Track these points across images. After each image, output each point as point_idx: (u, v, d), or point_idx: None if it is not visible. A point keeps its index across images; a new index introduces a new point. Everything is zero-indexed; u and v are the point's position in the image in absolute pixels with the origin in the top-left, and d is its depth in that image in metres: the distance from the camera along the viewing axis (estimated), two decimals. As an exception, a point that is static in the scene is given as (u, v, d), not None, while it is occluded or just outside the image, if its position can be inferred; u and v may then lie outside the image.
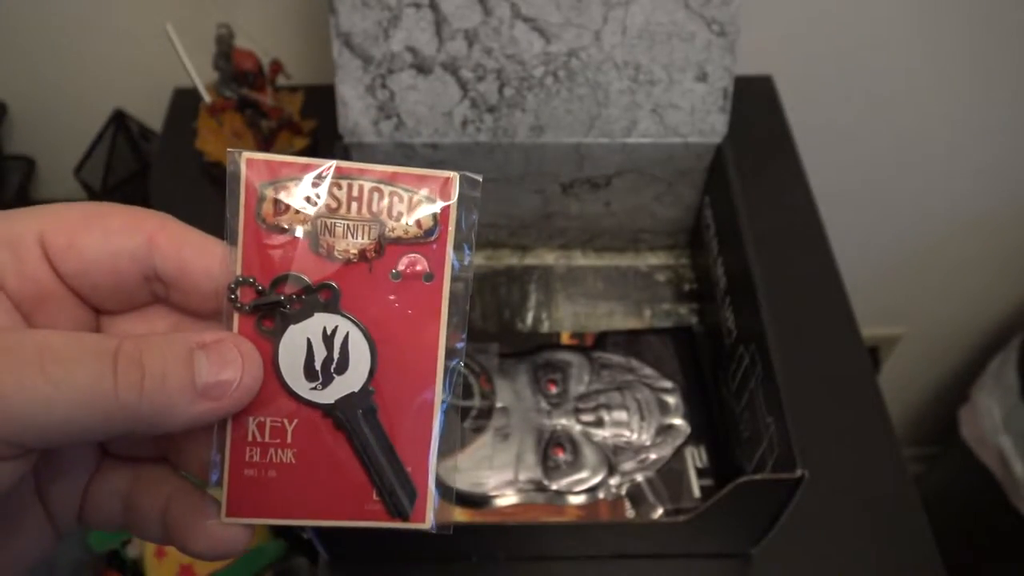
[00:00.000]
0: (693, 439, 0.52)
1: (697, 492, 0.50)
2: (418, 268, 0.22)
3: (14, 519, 0.22)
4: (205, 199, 0.66)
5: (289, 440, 0.22)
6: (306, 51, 0.72)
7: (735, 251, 0.51)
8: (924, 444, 1.22)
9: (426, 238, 0.22)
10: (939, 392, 1.17)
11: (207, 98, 0.63)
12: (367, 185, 0.21)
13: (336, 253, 0.21)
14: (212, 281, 0.21)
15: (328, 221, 0.21)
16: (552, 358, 0.55)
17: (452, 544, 0.48)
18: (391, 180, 0.21)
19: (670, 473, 0.51)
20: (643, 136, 0.54)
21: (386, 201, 0.21)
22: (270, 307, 0.21)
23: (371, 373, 0.22)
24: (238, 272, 0.21)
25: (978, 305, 1.04)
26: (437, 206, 0.21)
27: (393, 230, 0.21)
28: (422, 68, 0.52)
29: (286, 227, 0.21)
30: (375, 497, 0.23)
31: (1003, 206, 0.91)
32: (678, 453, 0.52)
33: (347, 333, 0.22)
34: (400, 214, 0.21)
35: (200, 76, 0.62)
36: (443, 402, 0.23)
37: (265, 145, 0.64)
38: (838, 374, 0.56)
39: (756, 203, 0.54)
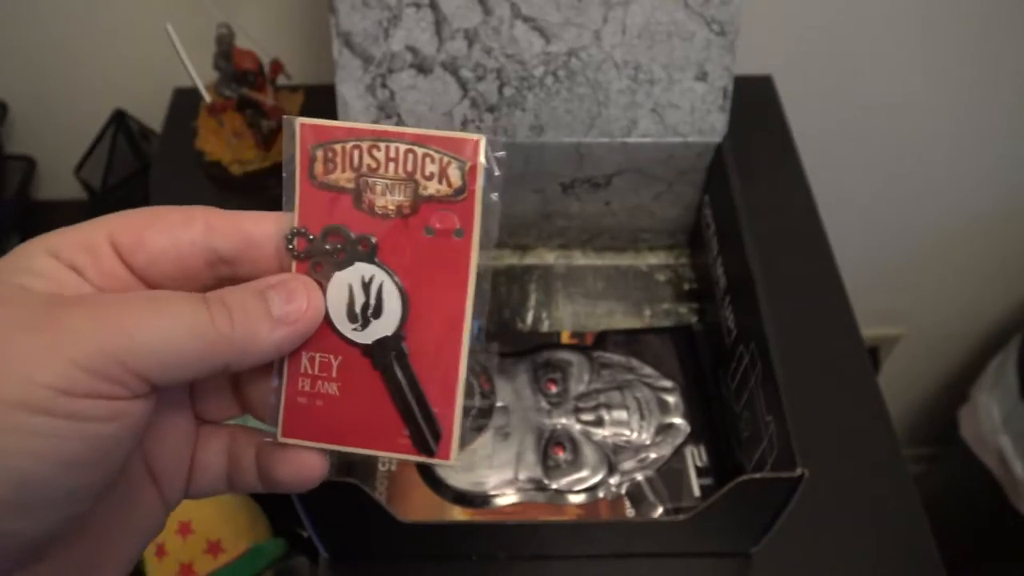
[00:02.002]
0: (693, 438, 0.52)
1: (697, 491, 0.50)
2: (448, 225, 0.24)
3: (130, 494, 0.24)
4: (205, 199, 0.65)
5: (334, 374, 0.25)
6: (306, 51, 0.72)
7: (735, 251, 0.51)
8: (924, 444, 1.22)
9: (456, 196, 0.23)
10: (939, 392, 1.17)
11: (207, 98, 0.63)
12: (402, 147, 0.23)
13: (376, 209, 0.24)
14: (274, 240, 0.24)
15: (369, 180, 0.23)
16: (552, 357, 0.55)
17: (452, 543, 0.48)
18: (423, 143, 0.23)
19: (670, 472, 0.51)
20: (643, 136, 0.54)
21: (419, 162, 0.23)
22: (320, 255, 0.24)
23: (402, 320, 0.24)
24: (295, 225, 0.24)
25: (978, 305, 1.04)
26: (465, 166, 0.23)
27: (426, 188, 0.23)
28: (422, 68, 0.52)
29: (334, 185, 0.24)
30: (405, 433, 0.25)
31: (1003, 206, 0.91)
32: (678, 452, 0.52)
33: (381, 282, 0.24)
34: (432, 174, 0.23)
35: (200, 76, 0.62)
36: (469, 349, 0.25)
37: (265, 145, 0.64)
38: (838, 374, 0.56)
39: (756, 203, 0.54)
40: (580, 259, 0.64)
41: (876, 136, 0.83)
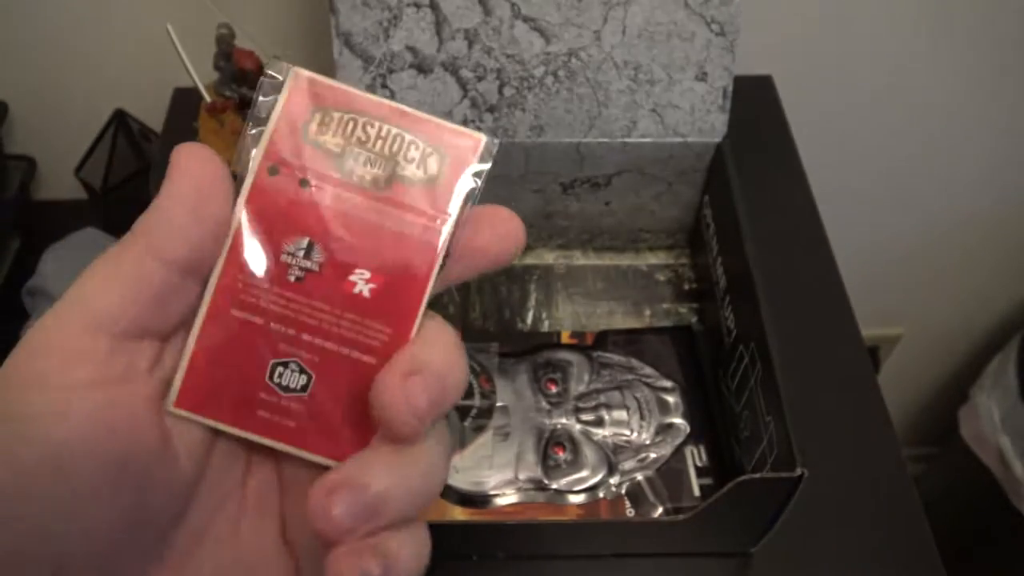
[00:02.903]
0: (693, 438, 0.52)
1: (697, 491, 0.50)
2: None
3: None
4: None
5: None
6: (306, 51, 0.72)
7: (735, 251, 0.51)
8: (924, 444, 1.22)
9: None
10: (939, 392, 1.17)
11: (207, 98, 0.63)
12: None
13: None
14: None
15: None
16: (552, 357, 0.55)
17: (452, 543, 0.48)
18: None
19: (670, 472, 0.51)
20: (643, 136, 0.54)
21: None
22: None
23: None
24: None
25: (978, 305, 1.04)
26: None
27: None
28: (422, 68, 0.52)
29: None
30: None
31: (1003, 206, 0.91)
32: (678, 452, 0.52)
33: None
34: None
35: (200, 76, 0.62)
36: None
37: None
38: (838, 374, 0.56)
39: (756, 203, 0.54)
40: (580, 259, 0.64)
41: (876, 136, 0.83)
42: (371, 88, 0.52)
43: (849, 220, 0.81)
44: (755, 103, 0.70)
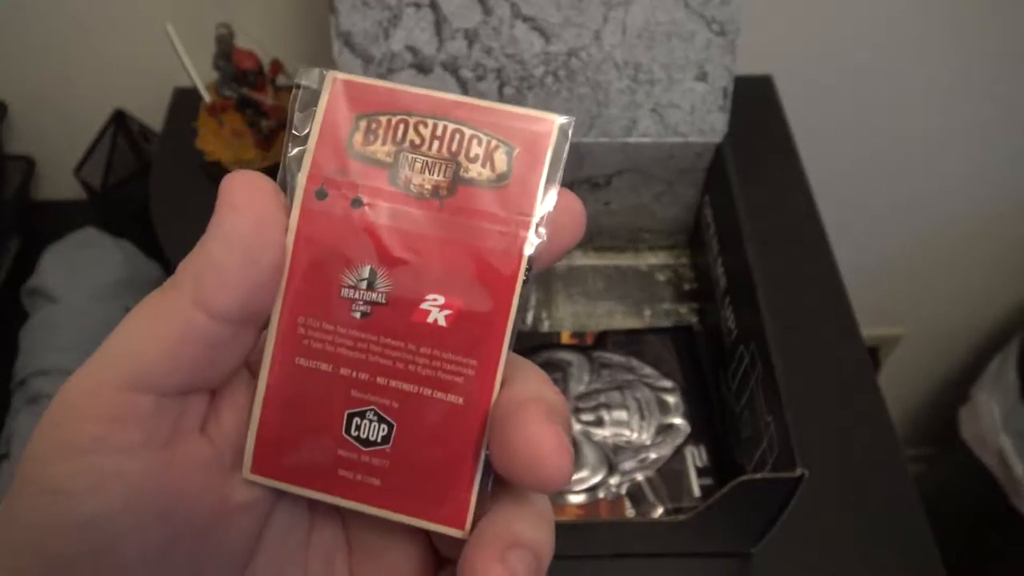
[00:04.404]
0: (693, 438, 0.52)
1: (697, 491, 0.50)
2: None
3: None
4: (205, 199, 0.66)
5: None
6: (306, 51, 0.72)
7: (735, 251, 0.51)
8: (924, 444, 1.22)
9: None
10: (939, 392, 1.17)
11: (207, 98, 0.63)
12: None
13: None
14: None
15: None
16: (552, 357, 0.55)
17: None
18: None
19: (670, 472, 0.51)
20: (643, 135, 0.54)
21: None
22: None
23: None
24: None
25: (978, 305, 1.04)
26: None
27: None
28: (422, 68, 0.52)
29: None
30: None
31: (1003, 206, 0.91)
32: (678, 452, 0.52)
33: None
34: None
35: (200, 76, 0.62)
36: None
37: (265, 145, 0.64)
38: (838, 374, 0.56)
39: (756, 203, 0.54)
40: (580, 259, 0.64)
41: (876, 136, 0.83)
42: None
43: (849, 220, 0.81)
44: (755, 103, 0.70)
